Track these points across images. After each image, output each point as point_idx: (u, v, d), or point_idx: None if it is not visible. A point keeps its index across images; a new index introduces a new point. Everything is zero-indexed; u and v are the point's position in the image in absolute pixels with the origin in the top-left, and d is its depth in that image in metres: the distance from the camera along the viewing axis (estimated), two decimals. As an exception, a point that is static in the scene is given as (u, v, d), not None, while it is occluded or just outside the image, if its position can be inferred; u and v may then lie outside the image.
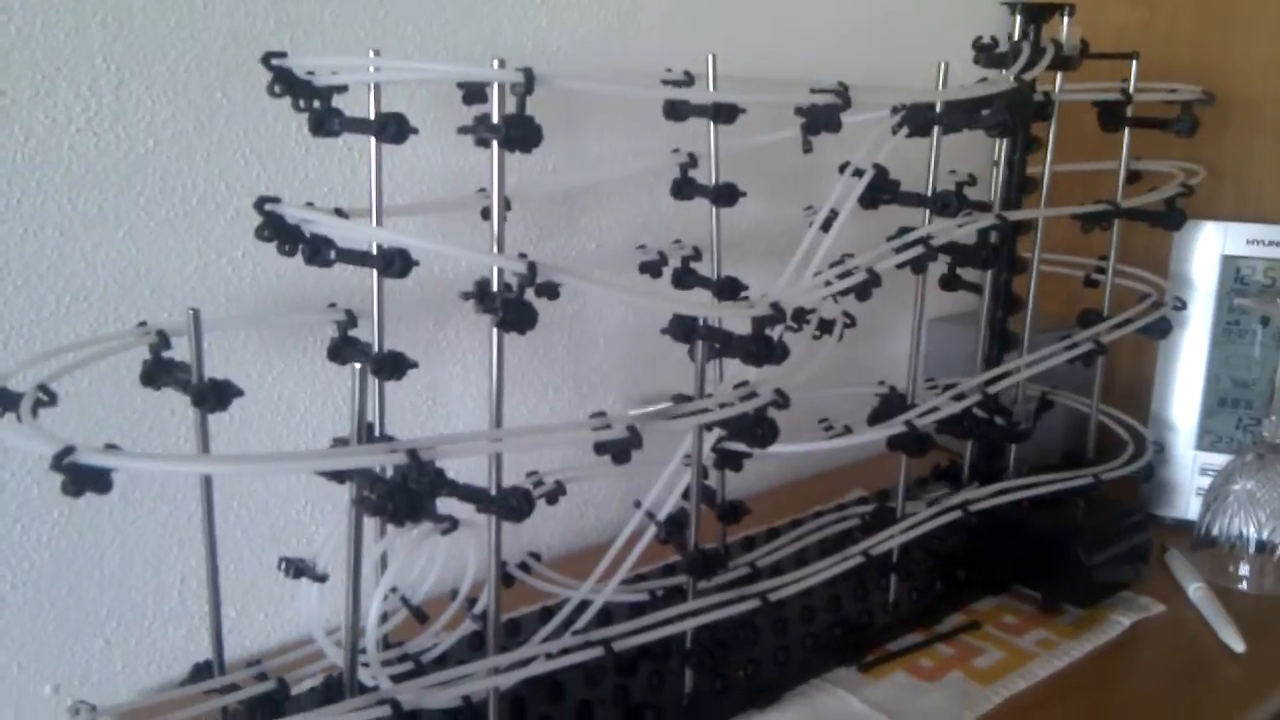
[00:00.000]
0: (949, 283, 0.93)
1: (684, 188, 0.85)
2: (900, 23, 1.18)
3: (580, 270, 0.57)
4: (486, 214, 0.78)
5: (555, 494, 0.84)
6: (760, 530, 0.98)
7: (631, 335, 1.00)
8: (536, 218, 0.92)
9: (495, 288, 0.57)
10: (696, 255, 0.87)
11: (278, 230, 0.58)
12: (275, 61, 0.58)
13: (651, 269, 0.87)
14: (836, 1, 1.12)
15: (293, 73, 0.58)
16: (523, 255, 0.55)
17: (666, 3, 0.97)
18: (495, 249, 0.57)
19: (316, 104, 0.60)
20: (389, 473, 0.53)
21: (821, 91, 0.79)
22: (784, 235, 1.01)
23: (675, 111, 0.80)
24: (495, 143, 0.55)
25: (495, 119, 0.54)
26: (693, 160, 0.85)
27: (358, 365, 0.51)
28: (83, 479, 0.48)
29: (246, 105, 0.75)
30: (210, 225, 0.75)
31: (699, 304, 0.65)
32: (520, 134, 0.53)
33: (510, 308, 0.54)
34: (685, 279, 0.87)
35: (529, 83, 0.52)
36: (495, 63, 0.54)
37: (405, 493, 0.50)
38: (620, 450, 0.57)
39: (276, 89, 0.58)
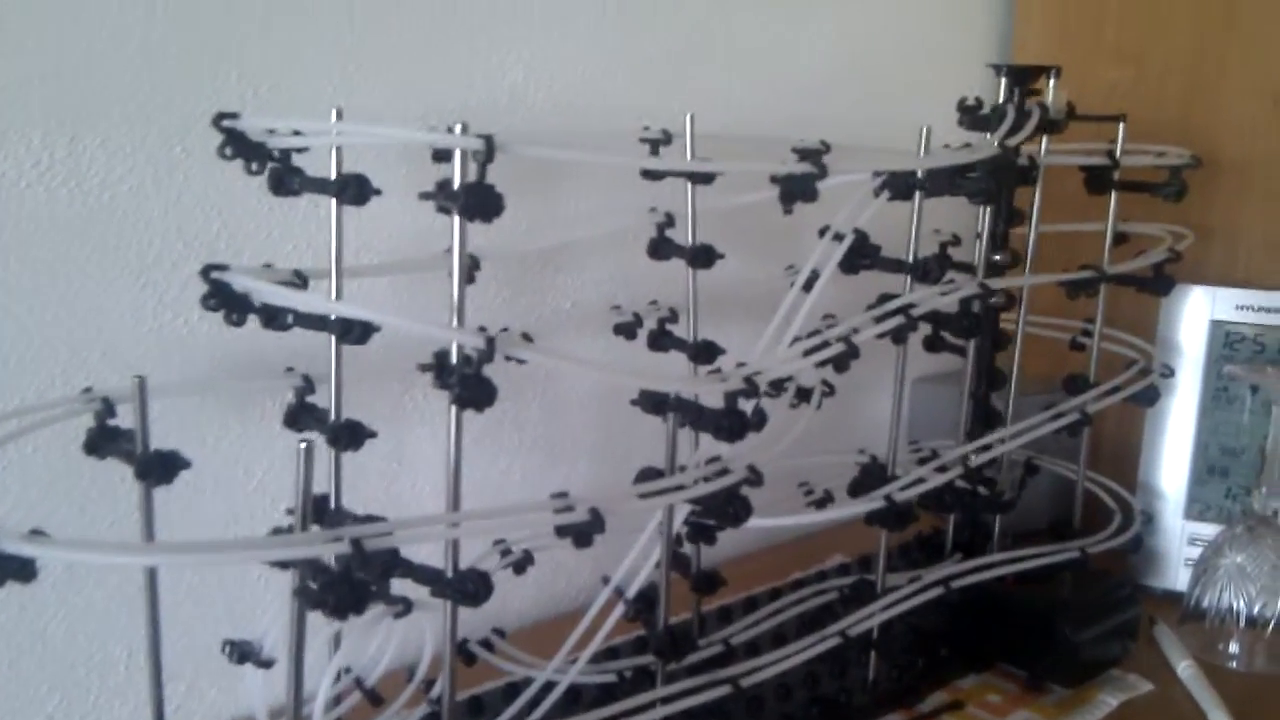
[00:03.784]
0: (933, 344, 0.91)
1: (661, 248, 0.83)
2: (887, 78, 1.16)
3: (541, 347, 0.54)
4: (455, 274, 0.76)
5: (523, 563, 0.81)
6: (738, 599, 0.95)
7: (606, 397, 0.97)
8: (509, 276, 0.90)
9: (454, 361, 0.54)
10: (673, 317, 0.85)
11: (224, 299, 0.55)
12: (227, 122, 0.56)
13: (626, 331, 0.84)
14: (821, 57, 1.10)
15: (245, 134, 0.56)
16: (482, 329, 0.52)
17: (646, 57, 0.95)
18: (455, 321, 0.54)
19: (276, 163, 0.58)
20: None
21: (803, 152, 0.78)
22: (765, 296, 0.99)
23: (652, 171, 0.78)
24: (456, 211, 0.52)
25: (456, 186, 0.52)
26: (670, 220, 0.83)
27: (303, 445, 0.48)
28: (4, 568, 0.45)
29: (207, 160, 0.72)
30: (166, 284, 0.72)
31: (666, 378, 0.62)
32: (479, 202, 0.50)
33: (467, 384, 0.51)
34: (661, 341, 0.84)
35: (489, 151, 0.50)
36: (458, 128, 0.52)
37: (348, 585, 0.47)
38: (581, 534, 0.54)
39: (228, 151, 0.56)
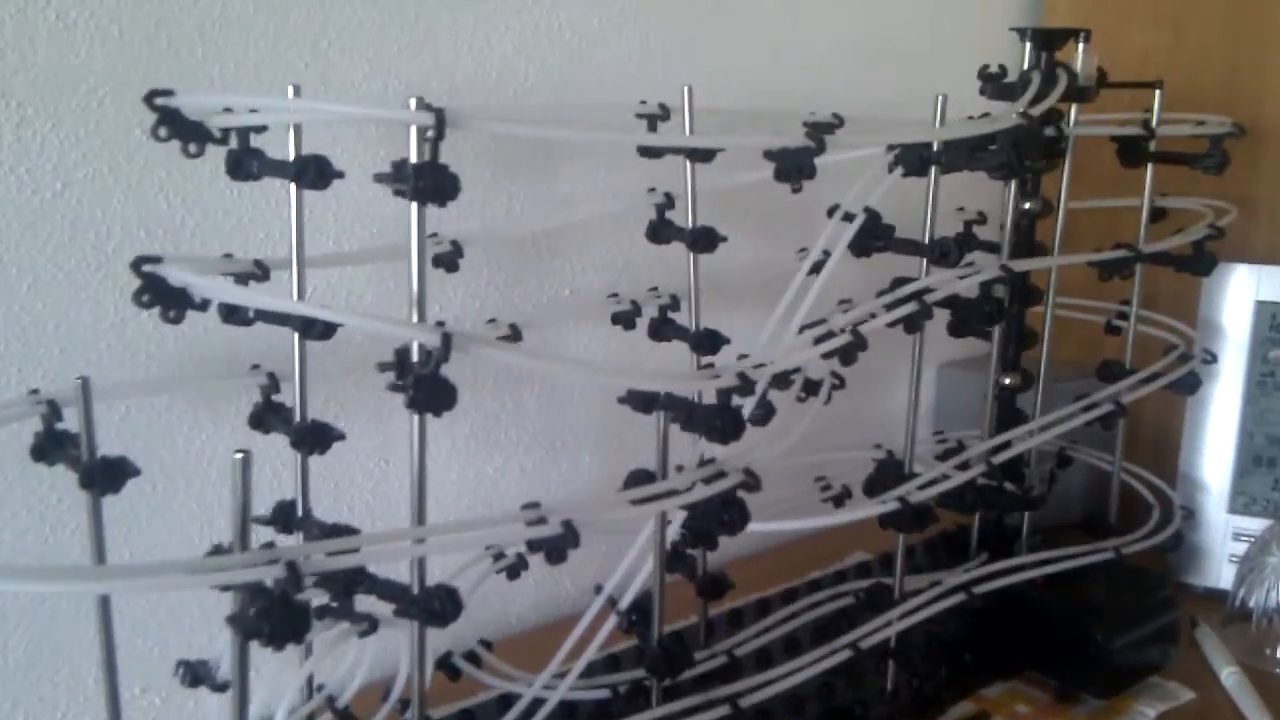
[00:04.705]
0: (957, 328, 0.85)
1: (660, 230, 0.78)
2: (907, 47, 1.10)
3: (503, 344, 0.50)
4: (438, 261, 0.71)
5: (517, 568, 0.76)
6: (750, 601, 0.90)
7: (609, 389, 0.92)
8: (504, 262, 0.85)
9: (415, 360, 0.49)
10: (675, 304, 0.80)
11: (159, 295, 0.51)
12: (160, 100, 0.51)
13: (624, 320, 0.79)
14: (838, 26, 1.04)
15: (180, 113, 0.51)
16: (440, 324, 0.47)
17: (647, 27, 0.90)
18: (414, 316, 0.49)
19: (220, 143, 0.53)
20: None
21: (813, 126, 0.72)
22: (776, 279, 0.94)
23: (649, 148, 0.73)
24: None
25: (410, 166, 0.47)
26: (669, 201, 0.77)
27: (239, 455, 0.44)
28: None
29: (169, 144, 0.68)
30: (129, 276, 0.67)
31: (649, 375, 0.57)
32: (431, 184, 0.45)
33: (422, 385, 0.46)
34: (662, 330, 0.80)
35: (439, 126, 0.44)
36: (412, 102, 0.47)
37: (285, 611, 0.42)
38: (555, 549, 0.49)
39: (162, 132, 0.51)
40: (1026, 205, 0.80)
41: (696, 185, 0.73)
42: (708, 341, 0.76)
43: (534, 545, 0.50)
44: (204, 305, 0.52)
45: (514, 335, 0.73)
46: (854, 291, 0.71)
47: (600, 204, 0.86)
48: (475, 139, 0.81)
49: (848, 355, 0.62)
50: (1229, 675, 0.82)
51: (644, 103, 0.76)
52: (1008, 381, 0.83)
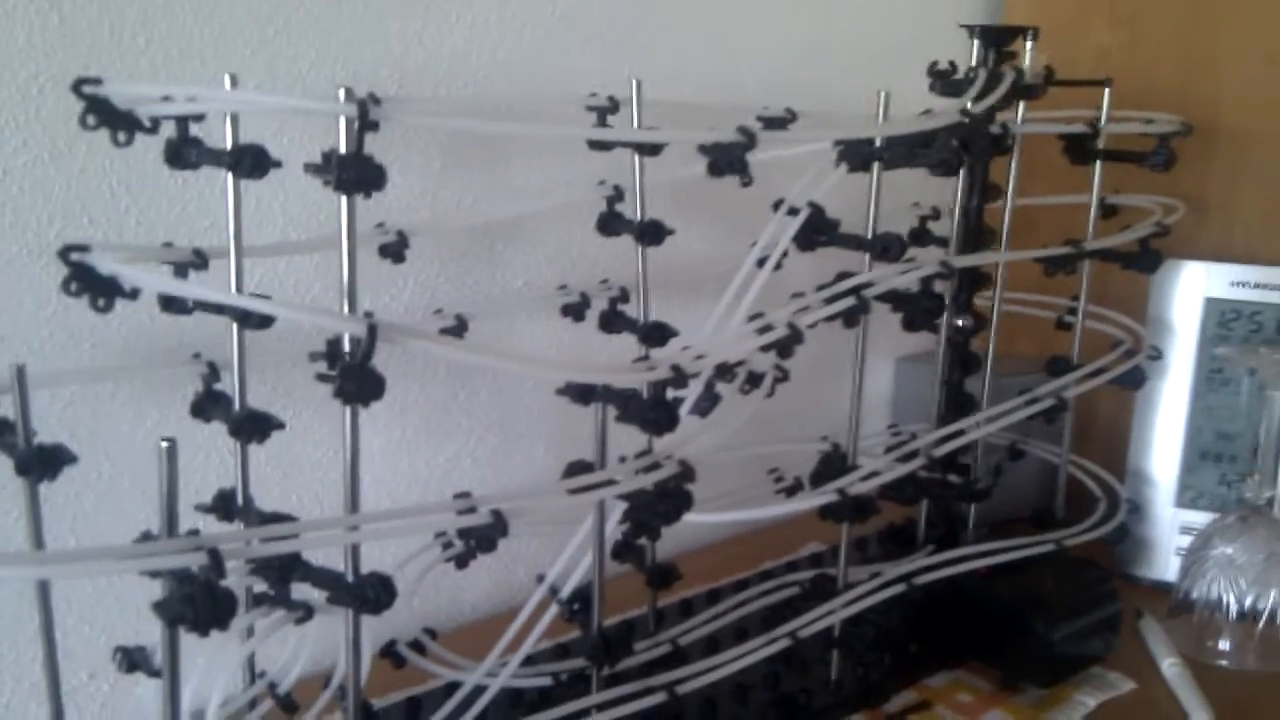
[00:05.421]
0: (910, 323, 0.86)
1: (610, 223, 0.78)
2: (868, 43, 1.10)
3: (431, 335, 0.50)
4: (385, 252, 0.72)
5: (466, 557, 0.77)
6: (702, 591, 0.90)
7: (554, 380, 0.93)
8: (455, 253, 0.85)
9: (346, 350, 0.49)
10: (624, 296, 0.80)
11: (88, 283, 0.51)
12: (88, 88, 0.51)
13: (574, 312, 0.80)
14: (798, 19, 1.04)
15: (109, 101, 0.51)
16: (369, 314, 0.48)
17: (601, 20, 0.90)
18: (345, 306, 0.50)
19: (150, 132, 0.53)
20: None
21: (768, 120, 0.73)
22: (731, 272, 0.94)
23: (598, 141, 0.73)
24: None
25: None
26: (619, 193, 0.78)
27: (164, 444, 0.44)
28: None
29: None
30: (72, 264, 0.68)
31: (577, 367, 0.57)
32: (354, 175, 0.46)
33: (349, 375, 0.47)
34: (612, 322, 0.80)
35: (363, 117, 0.45)
36: (341, 93, 0.47)
37: (209, 597, 0.42)
38: (484, 538, 0.50)
39: (90, 120, 0.51)
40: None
41: (647, 178, 0.74)
42: (655, 333, 0.76)
43: (464, 534, 0.50)
44: (134, 294, 0.51)
45: (460, 326, 0.74)
46: (809, 285, 0.72)
47: (553, 195, 0.86)
48: (428, 129, 0.81)
49: (785, 348, 0.63)
50: (1169, 666, 0.83)
51: (594, 95, 0.76)
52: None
